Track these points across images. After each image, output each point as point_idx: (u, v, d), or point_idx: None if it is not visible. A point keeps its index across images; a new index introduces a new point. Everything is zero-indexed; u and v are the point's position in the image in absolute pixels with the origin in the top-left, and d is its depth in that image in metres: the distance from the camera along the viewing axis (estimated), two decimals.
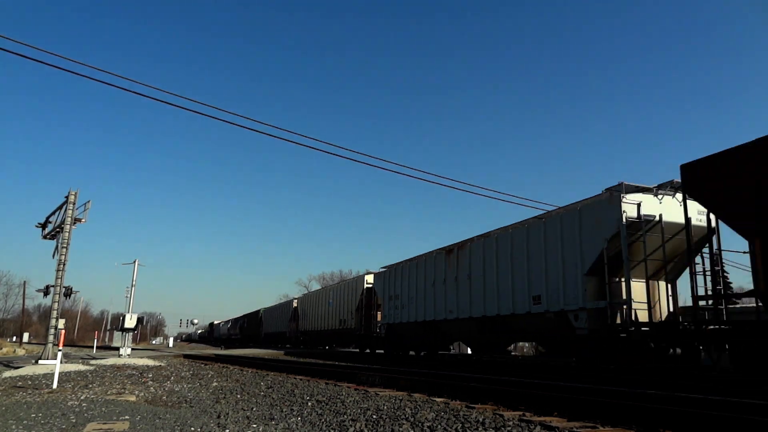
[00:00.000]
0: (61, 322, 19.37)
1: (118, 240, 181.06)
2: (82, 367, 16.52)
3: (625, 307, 12.71)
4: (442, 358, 21.82)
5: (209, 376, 13.93)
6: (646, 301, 12.58)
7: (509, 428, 5.48)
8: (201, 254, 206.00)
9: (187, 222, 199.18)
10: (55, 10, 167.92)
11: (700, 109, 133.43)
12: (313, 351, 31.56)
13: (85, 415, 6.92)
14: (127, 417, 6.64)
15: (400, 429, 5.70)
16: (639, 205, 12.87)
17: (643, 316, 12.56)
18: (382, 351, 25.79)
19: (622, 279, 12.84)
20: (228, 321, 78.97)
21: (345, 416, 6.61)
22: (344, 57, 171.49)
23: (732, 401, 5.75)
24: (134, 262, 26.52)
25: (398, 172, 16.43)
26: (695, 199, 11.46)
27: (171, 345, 61.42)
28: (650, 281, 12.81)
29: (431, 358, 21.80)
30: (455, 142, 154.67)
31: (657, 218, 12.98)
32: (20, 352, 36.33)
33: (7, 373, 14.39)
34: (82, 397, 8.90)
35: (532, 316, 15.16)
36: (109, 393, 9.74)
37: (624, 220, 12.62)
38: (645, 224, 12.83)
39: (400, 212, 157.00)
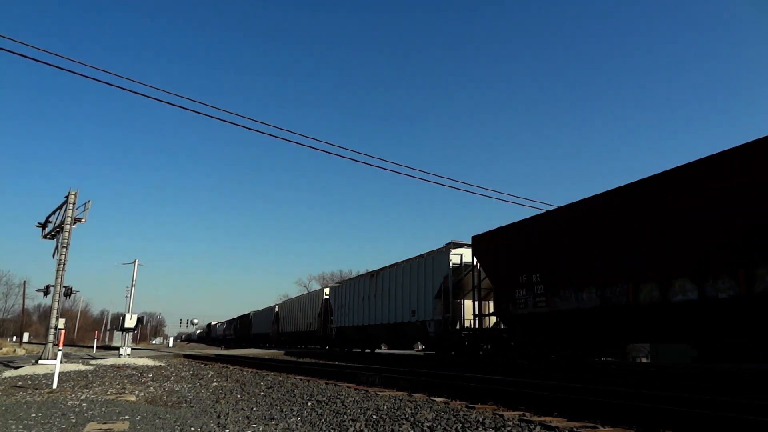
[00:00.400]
0: (61, 322, 19.37)
1: (118, 240, 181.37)
2: (82, 367, 16.53)
3: (459, 318, 19.56)
4: (372, 353, 27.92)
5: (209, 376, 13.93)
6: (475, 314, 18.17)
7: (509, 428, 5.48)
8: (201, 254, 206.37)
9: (187, 222, 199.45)
10: (55, 9, 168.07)
11: (699, 109, 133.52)
12: (311, 351, 32.09)
13: (85, 414, 6.92)
14: (127, 417, 6.64)
15: (400, 429, 5.71)
16: (462, 255, 19.94)
17: (474, 324, 18.34)
18: (336, 348, 31.97)
19: (458, 300, 19.75)
20: (224, 322, 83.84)
21: (345, 416, 6.61)
22: (343, 56, 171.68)
23: (731, 402, 5.76)
24: (134, 262, 26.54)
25: (398, 172, 16.48)
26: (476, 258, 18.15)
27: (171, 345, 61.47)
28: (483, 301, 18.52)
29: (363, 352, 28.88)
30: (455, 142, 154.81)
31: (473, 264, 18.65)
32: (20, 352, 36.33)
33: (7, 373, 14.40)
34: (82, 397, 8.91)
35: (412, 324, 22.39)
36: (109, 393, 9.74)
37: (450, 265, 19.89)
38: (465, 268, 19.69)
39: (400, 212, 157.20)
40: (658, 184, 11.40)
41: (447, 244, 20.72)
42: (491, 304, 18.35)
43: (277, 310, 48.51)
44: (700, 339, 10.57)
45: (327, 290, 35.30)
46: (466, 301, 19.56)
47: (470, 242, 18.87)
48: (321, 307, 34.45)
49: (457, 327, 19.21)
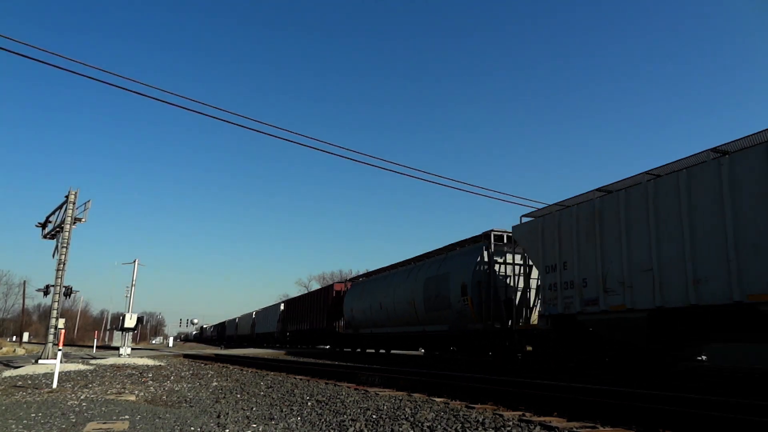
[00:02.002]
0: (61, 322, 19.38)
1: (118, 240, 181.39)
2: (81, 367, 16.52)
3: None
4: (387, 354, 25.65)
5: (209, 375, 13.93)
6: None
7: (509, 428, 5.47)
8: (201, 254, 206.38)
9: (188, 222, 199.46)
10: (55, 9, 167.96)
11: (697, 109, 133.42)
12: (312, 351, 31.89)
13: (85, 414, 6.92)
14: (126, 417, 6.64)
15: (400, 429, 5.70)
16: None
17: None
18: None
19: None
20: (211, 326, 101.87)
21: (345, 416, 6.61)
22: (344, 56, 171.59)
23: (731, 402, 5.75)
24: (134, 262, 26.55)
25: (398, 172, 16.46)
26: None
27: (171, 345, 61.46)
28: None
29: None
30: (455, 142, 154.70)
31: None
32: (20, 351, 36.33)
33: (7, 373, 14.39)
34: (82, 397, 8.90)
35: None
36: (109, 393, 9.74)
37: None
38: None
39: (400, 212, 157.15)
40: None
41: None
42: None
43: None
44: None
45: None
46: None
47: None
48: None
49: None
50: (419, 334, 20.66)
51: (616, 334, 11.80)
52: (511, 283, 16.89)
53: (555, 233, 13.73)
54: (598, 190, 12.92)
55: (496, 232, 17.37)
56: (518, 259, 17.00)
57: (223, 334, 77.83)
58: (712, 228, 9.69)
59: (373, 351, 27.47)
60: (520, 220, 15.68)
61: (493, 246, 17.11)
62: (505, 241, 17.31)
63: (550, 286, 13.76)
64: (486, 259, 17.04)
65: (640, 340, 11.11)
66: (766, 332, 9.13)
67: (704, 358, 13.55)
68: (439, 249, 21.06)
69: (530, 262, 15.92)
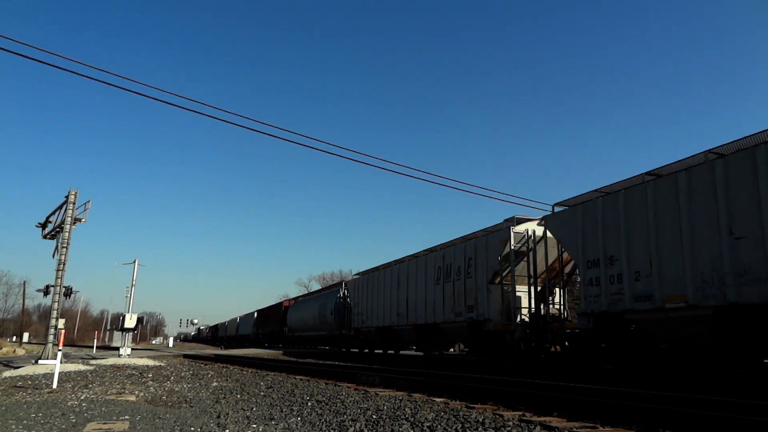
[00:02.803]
0: (61, 322, 19.37)
1: (118, 240, 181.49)
2: (82, 367, 16.51)
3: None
4: (396, 355, 24.55)
5: (209, 376, 13.93)
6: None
7: (509, 428, 5.47)
8: (201, 254, 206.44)
9: (188, 222, 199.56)
10: (55, 9, 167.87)
11: (696, 108, 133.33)
12: (313, 351, 32.05)
13: (85, 414, 6.92)
14: (127, 417, 6.64)
15: (400, 429, 5.70)
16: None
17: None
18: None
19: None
20: (207, 327, 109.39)
21: (345, 416, 6.61)
22: (343, 55, 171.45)
23: (732, 401, 5.75)
24: (134, 262, 26.54)
25: (398, 172, 16.46)
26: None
27: (171, 345, 61.43)
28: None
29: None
30: (455, 142, 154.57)
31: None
32: (20, 351, 36.33)
33: (7, 373, 14.39)
34: (82, 397, 8.90)
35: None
36: (109, 393, 9.74)
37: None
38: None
39: (399, 212, 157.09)
40: None
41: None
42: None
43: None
44: None
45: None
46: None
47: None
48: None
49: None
50: (320, 335, 33.09)
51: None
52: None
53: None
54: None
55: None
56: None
57: (216, 334, 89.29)
58: None
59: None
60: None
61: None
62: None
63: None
64: (341, 295, 30.23)
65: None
66: None
67: None
68: (327, 286, 27.27)
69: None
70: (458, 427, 5.65)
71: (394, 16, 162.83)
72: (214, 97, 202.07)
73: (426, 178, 15.73)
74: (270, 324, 46.80)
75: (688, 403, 6.06)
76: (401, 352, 26.07)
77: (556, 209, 14.73)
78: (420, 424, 5.86)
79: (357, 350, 29.16)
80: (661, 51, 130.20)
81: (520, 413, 6.47)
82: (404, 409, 6.88)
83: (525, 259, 16.45)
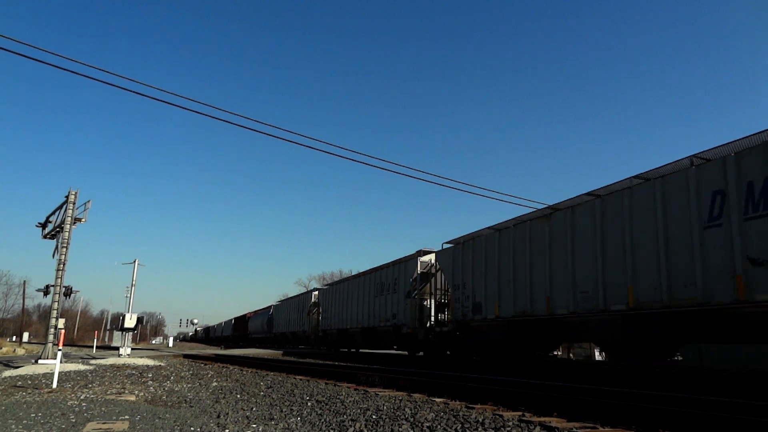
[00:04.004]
0: (61, 322, 19.36)
1: (118, 240, 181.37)
2: (81, 367, 16.51)
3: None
4: (357, 353, 28.23)
5: (209, 376, 13.93)
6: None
7: (509, 428, 5.47)
8: (201, 254, 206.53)
9: (188, 222, 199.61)
10: (55, 9, 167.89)
11: (695, 108, 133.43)
12: (313, 351, 32.10)
13: (85, 414, 6.92)
14: (126, 417, 6.64)
15: (400, 429, 5.70)
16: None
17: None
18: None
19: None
20: (201, 328, 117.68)
21: (345, 416, 6.61)
22: (343, 55, 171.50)
23: (728, 401, 5.75)
24: (134, 262, 26.52)
25: (398, 172, 16.50)
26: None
27: (171, 345, 61.45)
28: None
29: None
30: (455, 142, 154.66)
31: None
32: (20, 351, 36.32)
33: (7, 373, 14.39)
34: (81, 397, 8.90)
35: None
36: (108, 393, 9.74)
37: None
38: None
39: (399, 212, 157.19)
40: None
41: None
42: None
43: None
44: None
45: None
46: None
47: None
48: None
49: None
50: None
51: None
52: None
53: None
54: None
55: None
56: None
57: (208, 334, 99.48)
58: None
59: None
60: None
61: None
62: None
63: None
64: (313, 300, 35.57)
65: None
66: None
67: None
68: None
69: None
70: (458, 428, 5.65)
71: (394, 16, 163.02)
72: (214, 97, 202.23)
73: (426, 178, 15.77)
74: (239, 329, 64.62)
75: (688, 403, 6.06)
76: (381, 351, 29.92)
77: (444, 246, 20.25)
78: (420, 425, 5.86)
79: (326, 348, 33.52)
80: (662, 51, 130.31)
81: (520, 413, 6.47)
82: (404, 409, 6.89)
83: (430, 280, 21.81)
